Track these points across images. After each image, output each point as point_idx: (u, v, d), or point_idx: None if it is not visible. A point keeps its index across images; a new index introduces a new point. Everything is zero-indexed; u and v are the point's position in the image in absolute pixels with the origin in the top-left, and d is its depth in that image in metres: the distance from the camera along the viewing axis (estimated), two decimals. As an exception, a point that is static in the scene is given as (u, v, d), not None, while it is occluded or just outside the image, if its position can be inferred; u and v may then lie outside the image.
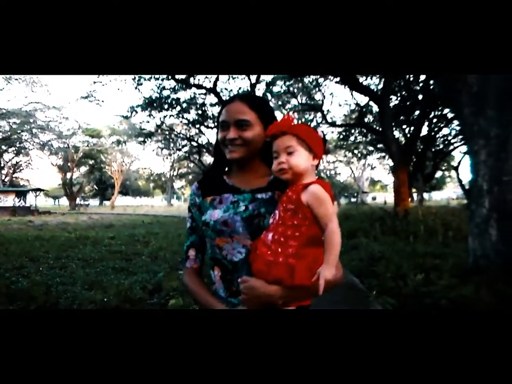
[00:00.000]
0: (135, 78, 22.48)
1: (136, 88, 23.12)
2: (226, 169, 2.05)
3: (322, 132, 1.78)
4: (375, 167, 70.01)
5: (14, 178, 58.63)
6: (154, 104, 24.52)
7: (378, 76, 24.52)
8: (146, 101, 24.21)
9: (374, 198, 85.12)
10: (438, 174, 51.27)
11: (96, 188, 76.78)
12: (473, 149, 7.13)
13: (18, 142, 51.96)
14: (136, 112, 25.54)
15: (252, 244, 1.74)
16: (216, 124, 2.04)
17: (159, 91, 23.87)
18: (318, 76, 24.85)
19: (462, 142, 28.25)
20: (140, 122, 32.80)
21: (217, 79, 22.45)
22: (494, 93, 6.89)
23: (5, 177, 55.53)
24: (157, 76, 22.55)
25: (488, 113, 6.88)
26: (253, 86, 23.78)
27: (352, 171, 71.05)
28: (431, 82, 19.13)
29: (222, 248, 1.80)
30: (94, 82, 25.55)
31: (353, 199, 67.59)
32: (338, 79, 22.80)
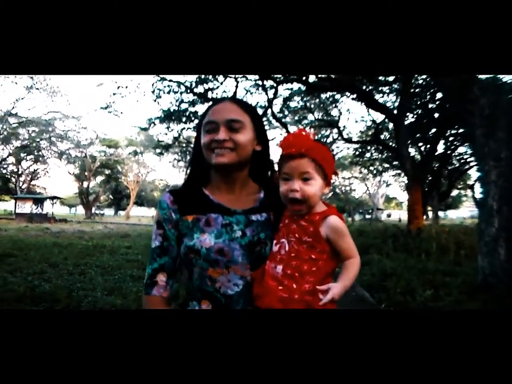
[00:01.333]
0: (154, 91, 22.80)
1: (155, 100, 23.44)
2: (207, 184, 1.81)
3: (332, 150, 1.63)
4: (390, 184, 69.74)
5: (31, 186, 59.36)
6: (173, 117, 24.77)
7: (394, 93, 24.77)
8: (165, 113, 24.45)
9: (389, 215, 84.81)
10: (454, 192, 50.98)
11: (112, 198, 77.41)
12: (484, 169, 7.34)
13: (36, 150, 52.72)
14: (155, 124, 25.81)
15: (254, 275, 1.57)
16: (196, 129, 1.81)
17: (177, 104, 24.16)
18: (335, 92, 24.99)
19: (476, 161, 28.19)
20: (157, 134, 33.20)
21: (235, 93, 22.67)
22: (505, 116, 7.13)
23: (22, 184, 56.27)
24: (176, 89, 22.86)
25: (498, 135, 7.12)
26: (270, 101, 24.02)
27: (368, 187, 70.85)
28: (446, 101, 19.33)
29: (215, 280, 1.57)
30: (114, 94, 25.86)
31: (368, 216, 67.35)
32: (354, 95, 23.04)
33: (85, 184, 58.93)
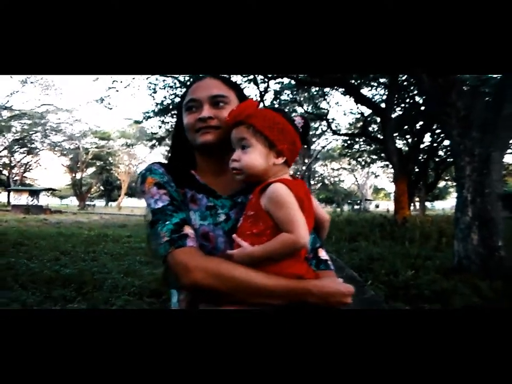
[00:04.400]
0: (150, 86, 23.33)
1: (150, 95, 24.01)
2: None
3: (304, 116, 1.48)
4: (378, 175, 70.26)
5: (23, 178, 59.51)
6: (167, 111, 25.15)
7: (382, 86, 25.41)
8: (159, 107, 24.90)
9: (377, 206, 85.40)
10: (442, 184, 51.63)
11: (103, 189, 77.61)
12: (460, 165, 8.22)
13: (29, 143, 53.03)
14: (150, 117, 26.27)
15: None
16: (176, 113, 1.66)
17: (172, 98, 24.56)
18: (324, 87, 25.56)
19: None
20: (151, 127, 33.50)
21: None
22: (478, 118, 8.01)
23: (15, 176, 56.48)
24: (171, 84, 23.39)
25: (473, 134, 7.99)
26: (262, 95, 24.61)
27: (356, 178, 71.38)
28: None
29: None
30: (109, 88, 26.24)
31: (356, 206, 67.98)
32: (343, 90, 23.69)
33: (78, 175, 59.39)
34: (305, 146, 1.52)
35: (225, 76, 1.67)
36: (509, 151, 37.46)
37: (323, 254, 1.60)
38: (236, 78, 23.83)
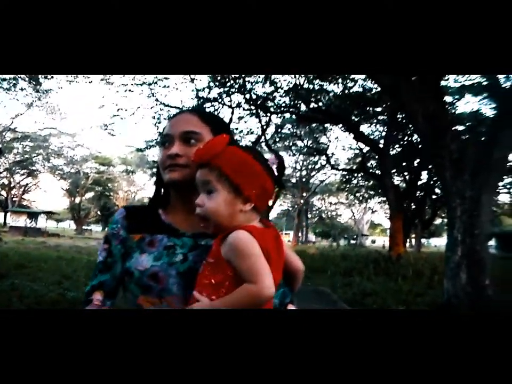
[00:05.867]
0: (154, 117, 23.68)
1: (155, 125, 24.36)
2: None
3: (278, 155, 1.38)
4: (375, 210, 70.60)
5: (21, 199, 59.63)
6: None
7: (381, 123, 25.89)
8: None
9: (373, 241, 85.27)
10: (438, 221, 51.81)
11: (100, 214, 77.70)
12: (451, 206, 8.61)
13: (30, 165, 53.44)
14: (153, 146, 26.56)
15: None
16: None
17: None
18: (325, 124, 25.98)
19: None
20: (153, 156, 33.64)
21: (230, 119, 23.44)
22: (470, 160, 8.44)
23: (13, 197, 56.62)
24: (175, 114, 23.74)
25: (464, 177, 8.40)
26: (263, 129, 25.02)
27: (353, 213, 71.68)
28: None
29: None
30: (114, 116, 26.56)
31: (352, 241, 68.07)
32: (343, 127, 24.12)
33: (77, 199, 59.67)
34: (279, 189, 1.40)
35: (205, 110, 1.68)
36: (505, 190, 38.12)
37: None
38: (239, 112, 24.33)
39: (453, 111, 22.89)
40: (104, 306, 1.44)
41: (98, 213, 75.26)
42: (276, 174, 1.33)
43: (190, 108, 1.80)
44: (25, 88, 26.27)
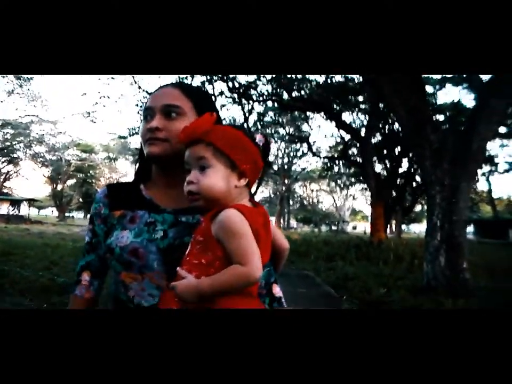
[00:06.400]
0: (137, 104, 23.64)
1: (138, 112, 24.28)
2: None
3: (264, 135, 1.36)
4: (357, 197, 71.04)
5: (2, 187, 59.07)
6: None
7: (363, 112, 26.13)
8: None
9: (354, 228, 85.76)
10: (418, 208, 52.37)
11: (82, 201, 77.26)
12: (431, 193, 8.95)
13: (11, 152, 52.91)
14: (136, 133, 26.45)
15: (167, 286, 1.27)
16: None
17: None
18: (307, 112, 26.10)
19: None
20: (136, 143, 33.56)
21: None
22: (450, 150, 8.76)
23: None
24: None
25: (444, 166, 8.73)
26: (246, 116, 25.10)
27: (335, 200, 71.89)
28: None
29: (128, 287, 1.36)
30: (96, 103, 26.37)
31: (334, 227, 68.48)
32: (325, 115, 24.32)
33: (59, 187, 59.33)
34: (267, 167, 1.41)
35: (189, 84, 1.65)
36: (483, 178, 38.74)
37: (277, 291, 1.52)
38: (222, 100, 24.33)
39: (434, 101, 23.22)
40: (91, 286, 1.50)
41: (80, 200, 74.88)
42: (263, 151, 1.33)
43: (173, 82, 1.60)
44: (6, 76, 25.98)
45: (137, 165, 1.61)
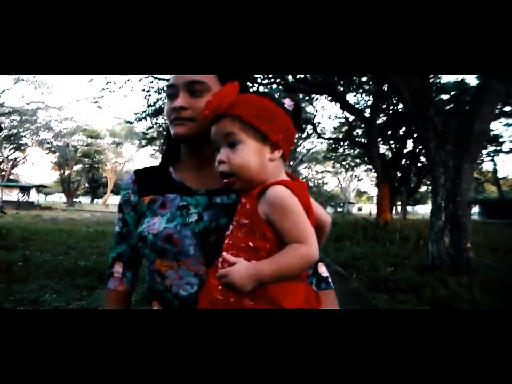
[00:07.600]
0: (144, 89, 23.78)
1: (145, 97, 24.41)
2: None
3: (294, 98, 1.24)
4: (362, 178, 71.17)
5: (10, 173, 59.37)
6: (161, 114, 25.30)
7: (367, 93, 26.19)
8: (153, 108, 25.04)
9: (359, 209, 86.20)
10: (424, 188, 52.34)
11: (88, 186, 77.49)
12: (435, 175, 9.26)
13: (18, 139, 53.22)
14: (145, 119, 26.38)
15: (208, 272, 1.21)
16: None
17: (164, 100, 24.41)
18: (311, 94, 26.17)
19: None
20: (143, 128, 33.50)
21: None
22: (453, 132, 9.04)
23: (1, 172, 56.34)
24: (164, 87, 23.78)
25: (447, 148, 9.01)
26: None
27: (340, 181, 72.32)
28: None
29: (164, 276, 1.27)
30: (103, 89, 26.43)
31: (339, 209, 68.58)
32: (329, 97, 24.42)
33: (66, 172, 59.73)
34: (300, 132, 1.30)
35: None
36: (488, 158, 38.73)
37: (323, 270, 1.46)
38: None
39: (437, 81, 23.29)
40: (124, 277, 1.44)
41: (86, 185, 75.11)
42: (294, 116, 1.22)
43: None
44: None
45: (165, 146, 1.54)
